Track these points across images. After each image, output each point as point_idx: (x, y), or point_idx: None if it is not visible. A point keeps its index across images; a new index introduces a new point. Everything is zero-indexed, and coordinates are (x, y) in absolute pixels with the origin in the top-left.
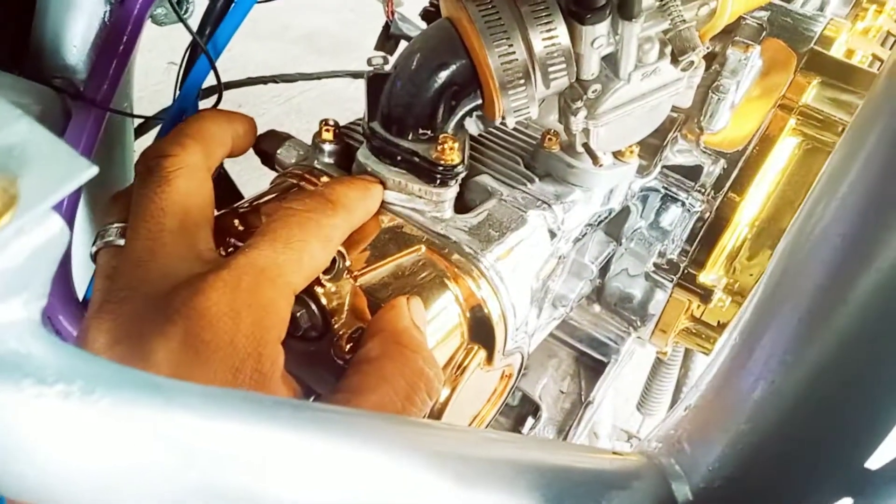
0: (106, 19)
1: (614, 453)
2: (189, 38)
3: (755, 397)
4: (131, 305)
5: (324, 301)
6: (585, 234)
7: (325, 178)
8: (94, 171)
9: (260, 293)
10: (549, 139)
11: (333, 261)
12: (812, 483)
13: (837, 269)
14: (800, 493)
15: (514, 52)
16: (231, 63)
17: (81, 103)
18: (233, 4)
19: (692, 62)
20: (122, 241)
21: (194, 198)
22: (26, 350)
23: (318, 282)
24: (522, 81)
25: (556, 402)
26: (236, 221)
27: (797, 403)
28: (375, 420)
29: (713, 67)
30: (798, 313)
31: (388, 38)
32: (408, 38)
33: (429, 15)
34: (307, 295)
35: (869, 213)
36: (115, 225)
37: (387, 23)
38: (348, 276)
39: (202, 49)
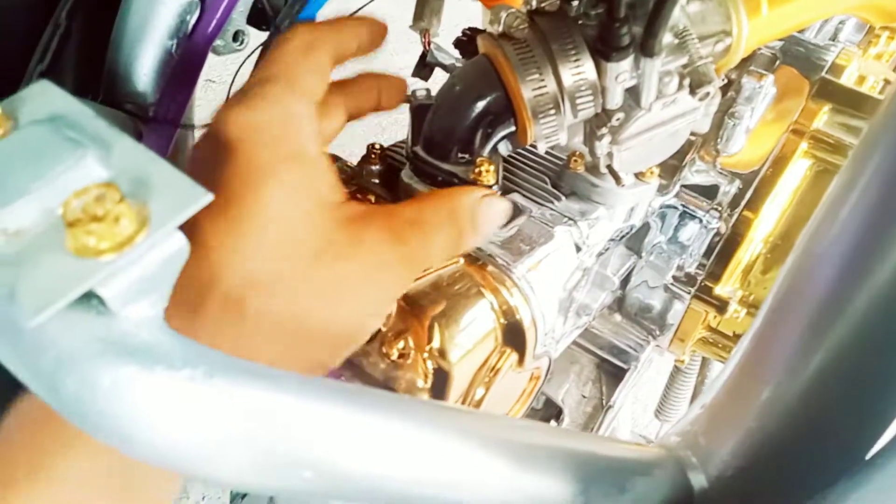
0: (173, 51)
1: (637, 445)
2: (237, 61)
3: (763, 398)
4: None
5: None
6: (608, 248)
7: (370, 196)
8: (210, 197)
9: None
10: (575, 160)
11: None
12: (813, 474)
13: (838, 284)
14: (802, 483)
15: (545, 86)
16: None
17: (152, 125)
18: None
19: (708, 93)
20: None
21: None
22: (157, 341)
23: None
24: (553, 111)
25: (578, 406)
26: None
27: (800, 404)
28: (438, 409)
29: (729, 94)
30: (802, 324)
31: (424, 66)
32: (443, 66)
33: (461, 44)
34: None
35: (867, 233)
36: None
37: (423, 52)
38: None
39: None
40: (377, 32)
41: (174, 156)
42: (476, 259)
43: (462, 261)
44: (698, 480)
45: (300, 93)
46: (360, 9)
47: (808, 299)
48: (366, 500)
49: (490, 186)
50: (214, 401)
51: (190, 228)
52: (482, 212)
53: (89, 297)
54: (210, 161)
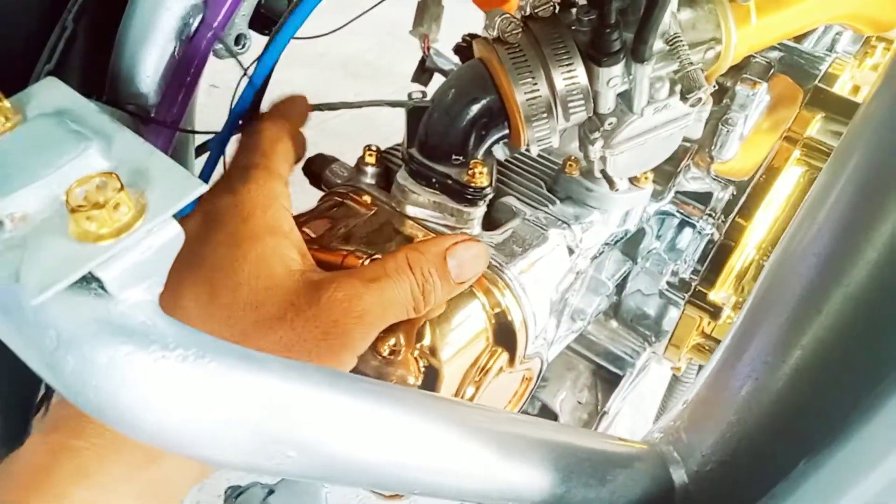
0: (175, 54)
1: (620, 440)
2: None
3: (743, 394)
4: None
5: None
6: (603, 252)
7: (366, 197)
8: (204, 187)
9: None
10: (570, 165)
11: None
12: (788, 466)
13: (813, 284)
14: (778, 475)
15: (538, 90)
16: (271, 89)
17: (152, 126)
18: (273, 39)
19: (699, 99)
20: None
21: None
22: (152, 323)
23: None
24: (545, 115)
25: (574, 412)
26: None
27: (777, 399)
28: (423, 397)
29: (724, 101)
30: (779, 322)
31: (423, 72)
32: (442, 71)
33: (461, 50)
34: None
35: (840, 235)
36: None
37: (423, 57)
38: None
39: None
40: (308, 108)
41: (173, 157)
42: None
43: None
44: (679, 475)
45: (276, 176)
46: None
47: (785, 297)
48: (348, 482)
49: (483, 188)
50: (205, 380)
51: (172, 287)
52: (456, 258)
53: (89, 280)
54: (198, 233)
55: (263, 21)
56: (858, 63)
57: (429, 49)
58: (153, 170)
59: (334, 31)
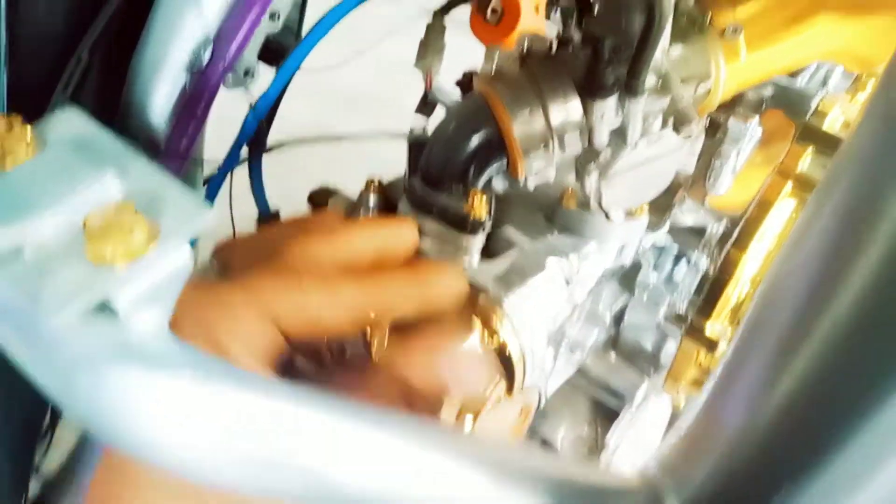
0: (186, 86)
1: (614, 471)
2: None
3: (734, 424)
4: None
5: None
6: (600, 284)
7: None
8: (214, 214)
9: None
10: (568, 197)
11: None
12: (781, 496)
13: (800, 314)
14: None
15: (534, 123)
16: (276, 121)
17: (163, 158)
18: (277, 72)
19: (691, 132)
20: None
21: None
22: (162, 347)
23: None
24: (542, 148)
25: (573, 446)
26: None
27: (768, 429)
28: (418, 424)
29: (717, 135)
30: (767, 352)
31: (426, 104)
32: (444, 104)
33: (462, 85)
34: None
35: (827, 264)
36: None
37: (426, 91)
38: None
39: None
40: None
41: None
42: (468, 290)
43: None
44: None
45: None
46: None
47: (773, 329)
48: None
49: (482, 218)
50: (213, 404)
51: None
52: None
53: (102, 304)
54: None
55: (272, 53)
56: (851, 98)
57: (431, 82)
58: (166, 197)
59: (339, 64)
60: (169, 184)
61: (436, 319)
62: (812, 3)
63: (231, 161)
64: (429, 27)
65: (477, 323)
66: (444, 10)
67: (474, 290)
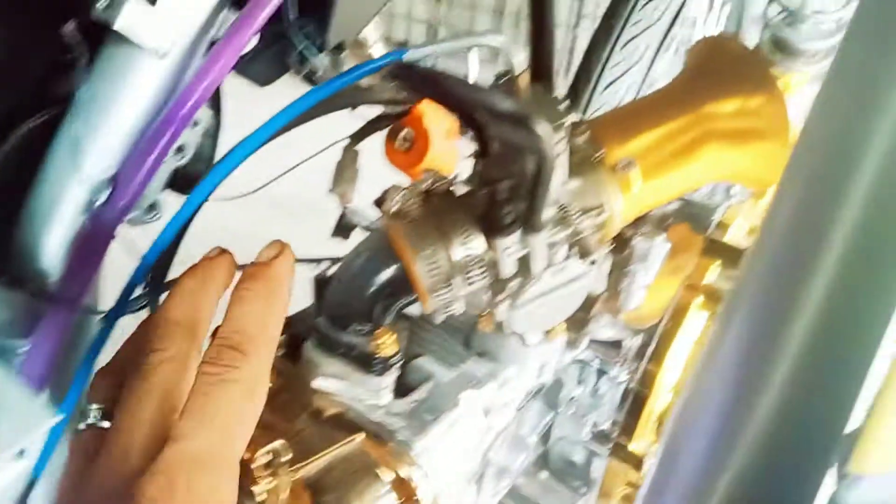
0: (81, 229)
1: None
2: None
3: None
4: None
5: (263, 498)
6: (522, 405)
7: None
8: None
9: (199, 487)
10: (484, 320)
11: (274, 455)
12: None
13: (714, 439)
14: None
15: (437, 261)
16: (201, 226)
17: (53, 306)
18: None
19: (594, 261)
20: (106, 423)
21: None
22: None
23: (254, 480)
24: (446, 285)
25: None
26: None
27: None
28: None
29: (626, 252)
30: (689, 473)
31: (341, 227)
32: (361, 226)
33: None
34: (245, 495)
35: (739, 377)
36: (96, 407)
37: (341, 214)
38: (288, 469)
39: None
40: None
41: (72, 337)
42: (376, 434)
43: (363, 436)
44: None
45: None
46: (308, 158)
47: (691, 451)
48: None
49: (389, 357)
50: None
51: None
52: None
53: None
54: None
55: (184, 181)
56: (755, 202)
57: (345, 206)
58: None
59: (275, 178)
60: (6, 382)
61: None
62: (700, 134)
63: (119, 309)
64: (343, 154)
65: (386, 473)
66: (357, 138)
67: (383, 438)
